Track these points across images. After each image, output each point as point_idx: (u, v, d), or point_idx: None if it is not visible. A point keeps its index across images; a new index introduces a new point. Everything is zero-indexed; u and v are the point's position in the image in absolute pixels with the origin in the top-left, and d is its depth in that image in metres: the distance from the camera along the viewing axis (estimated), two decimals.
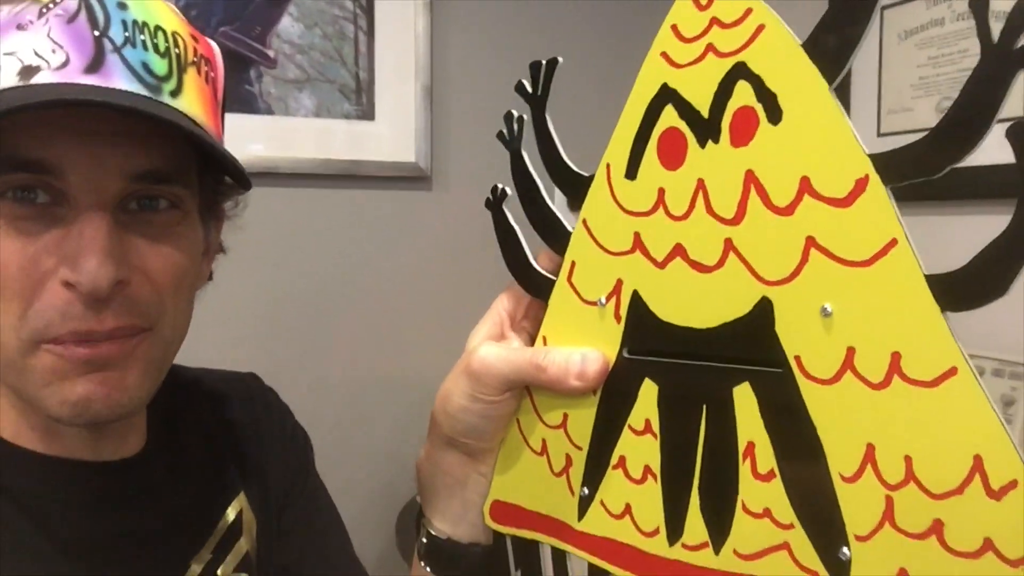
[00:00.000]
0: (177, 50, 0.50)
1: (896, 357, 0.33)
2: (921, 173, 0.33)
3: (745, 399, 0.38)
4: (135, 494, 0.56)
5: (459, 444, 0.50)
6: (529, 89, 0.47)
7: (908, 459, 0.33)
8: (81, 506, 0.53)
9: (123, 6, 0.48)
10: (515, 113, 0.49)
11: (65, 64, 0.45)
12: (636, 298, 0.42)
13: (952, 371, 0.32)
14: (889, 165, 0.34)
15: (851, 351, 0.34)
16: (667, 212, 0.41)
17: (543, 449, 0.48)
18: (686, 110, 0.40)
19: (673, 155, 0.40)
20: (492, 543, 0.52)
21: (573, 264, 0.46)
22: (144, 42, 0.48)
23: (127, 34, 0.47)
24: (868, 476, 0.34)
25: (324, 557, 0.69)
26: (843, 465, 0.35)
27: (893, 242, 0.33)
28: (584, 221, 0.45)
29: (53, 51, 0.45)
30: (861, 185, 0.34)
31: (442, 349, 1.65)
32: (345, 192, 1.53)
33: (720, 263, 0.39)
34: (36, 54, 0.45)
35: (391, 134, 1.57)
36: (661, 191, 0.41)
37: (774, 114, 0.37)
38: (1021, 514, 0.30)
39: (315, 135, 1.51)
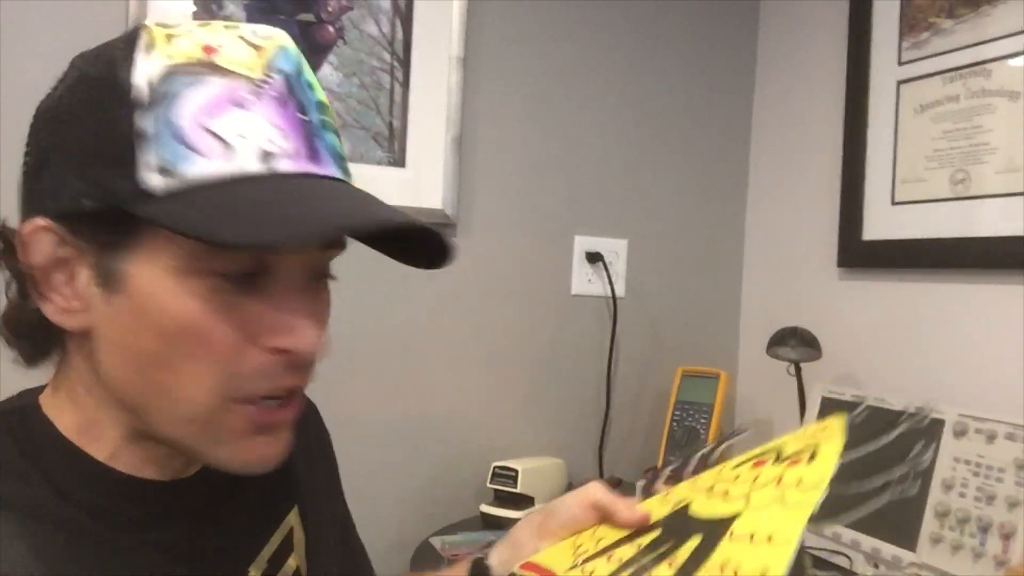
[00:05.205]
0: (335, 124, 0.50)
1: None
2: None
3: None
4: (198, 507, 0.57)
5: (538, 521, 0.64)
6: None
7: None
8: (153, 519, 0.54)
9: (311, 86, 0.48)
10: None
11: (297, 152, 0.46)
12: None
13: None
14: None
15: None
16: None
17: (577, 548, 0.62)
18: None
19: None
20: None
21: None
22: (328, 123, 0.49)
23: (322, 118, 0.48)
24: None
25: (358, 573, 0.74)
26: None
27: None
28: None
29: (283, 137, 0.46)
30: None
31: (462, 392, 1.68)
32: None
33: None
34: (269, 140, 0.45)
35: (420, 181, 1.62)
36: None
37: None
38: None
39: None
